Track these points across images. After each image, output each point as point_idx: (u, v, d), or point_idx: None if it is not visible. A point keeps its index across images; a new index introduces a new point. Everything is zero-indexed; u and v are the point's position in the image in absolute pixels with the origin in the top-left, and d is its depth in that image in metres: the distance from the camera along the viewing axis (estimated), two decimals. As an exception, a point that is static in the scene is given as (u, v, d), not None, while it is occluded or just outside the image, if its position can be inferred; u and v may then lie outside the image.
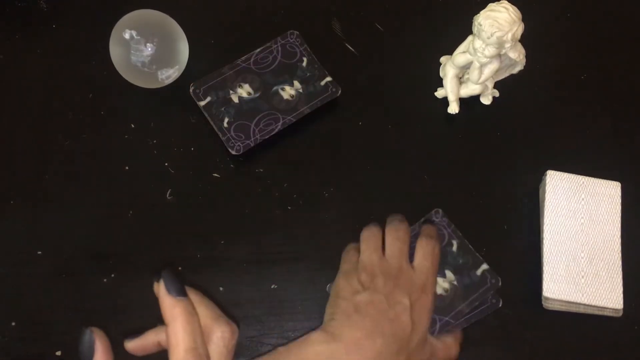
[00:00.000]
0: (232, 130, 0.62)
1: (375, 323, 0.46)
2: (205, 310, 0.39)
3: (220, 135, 0.63)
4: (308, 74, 0.65)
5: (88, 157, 0.64)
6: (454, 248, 0.57)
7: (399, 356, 0.46)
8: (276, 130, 0.63)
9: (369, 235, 0.52)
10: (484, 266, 0.57)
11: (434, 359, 0.49)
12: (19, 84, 0.67)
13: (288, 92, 0.64)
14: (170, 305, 0.37)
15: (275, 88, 0.65)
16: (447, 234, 0.58)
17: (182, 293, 0.37)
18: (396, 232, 0.52)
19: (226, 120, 0.63)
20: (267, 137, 0.62)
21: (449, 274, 0.56)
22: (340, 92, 0.65)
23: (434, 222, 0.58)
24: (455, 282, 0.56)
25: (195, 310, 0.37)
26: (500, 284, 0.56)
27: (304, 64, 0.66)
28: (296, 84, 0.64)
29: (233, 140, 0.62)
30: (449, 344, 0.51)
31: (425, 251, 0.51)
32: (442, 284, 0.55)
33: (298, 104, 0.64)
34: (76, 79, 0.67)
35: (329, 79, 0.65)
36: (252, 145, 0.62)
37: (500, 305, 0.57)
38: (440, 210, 0.59)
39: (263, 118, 0.63)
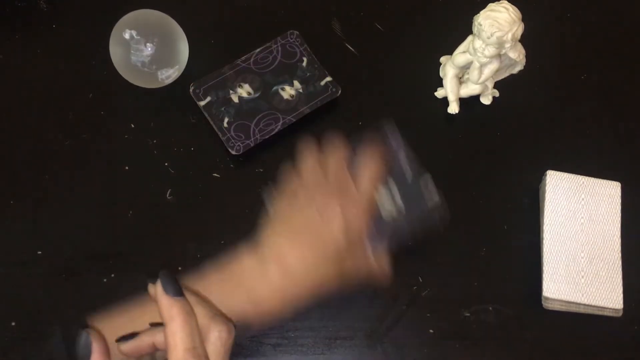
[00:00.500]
0: (232, 130, 0.62)
1: (304, 232, 0.46)
2: (202, 310, 0.39)
3: (220, 135, 0.63)
4: (308, 74, 0.65)
5: (88, 157, 0.64)
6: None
7: (331, 266, 0.46)
8: (276, 130, 0.63)
9: (306, 153, 0.52)
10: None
11: (368, 273, 0.49)
12: (19, 84, 0.67)
13: (288, 92, 0.64)
14: (167, 305, 0.37)
15: (275, 88, 0.65)
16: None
17: (180, 293, 0.37)
18: (336, 151, 0.52)
19: (226, 120, 0.63)
20: (267, 137, 0.62)
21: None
22: (340, 92, 0.65)
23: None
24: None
25: (192, 310, 0.37)
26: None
27: (304, 64, 0.66)
28: (296, 83, 0.65)
29: (233, 140, 0.62)
30: (381, 259, 0.51)
31: (370, 166, 0.50)
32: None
33: (298, 104, 0.64)
34: (76, 79, 0.67)
35: (329, 79, 0.65)
36: (252, 145, 0.62)
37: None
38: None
39: (263, 118, 0.63)
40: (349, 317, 0.58)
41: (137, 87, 0.64)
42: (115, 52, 0.61)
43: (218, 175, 0.63)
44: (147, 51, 0.60)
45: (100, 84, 0.66)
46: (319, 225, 0.47)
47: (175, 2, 0.68)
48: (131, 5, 0.63)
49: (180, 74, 0.64)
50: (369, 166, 0.50)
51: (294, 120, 0.64)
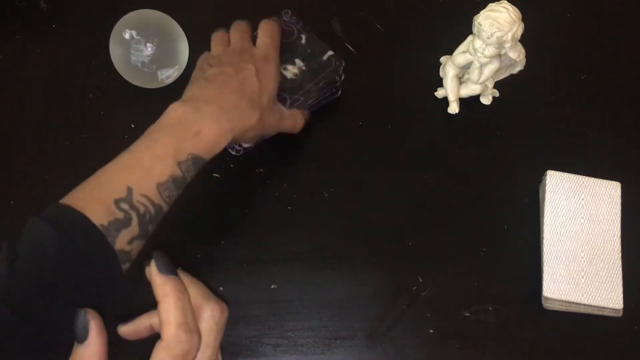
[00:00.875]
0: None
1: (225, 85, 0.53)
2: (195, 290, 0.40)
3: None
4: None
5: (88, 157, 0.63)
6: (303, 41, 0.63)
7: (252, 109, 0.54)
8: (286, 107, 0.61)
9: (216, 34, 0.60)
10: (329, 52, 0.63)
11: (283, 122, 0.59)
12: (19, 84, 0.67)
13: (291, 71, 0.62)
14: (161, 283, 0.37)
15: None
16: (296, 29, 0.64)
17: (173, 272, 0.38)
18: (238, 25, 0.60)
19: None
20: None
21: (298, 62, 0.62)
22: (343, 64, 0.63)
23: (284, 20, 0.64)
24: (303, 68, 0.62)
25: (185, 289, 0.38)
26: (343, 64, 0.63)
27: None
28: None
29: (232, 141, 0.62)
30: (295, 112, 0.60)
31: (265, 29, 0.60)
32: (292, 70, 0.62)
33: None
34: (76, 79, 0.67)
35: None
36: (252, 146, 0.62)
37: (339, 94, 0.66)
38: (289, 11, 0.65)
39: None
40: (349, 317, 0.58)
41: (137, 87, 0.64)
42: (115, 52, 0.61)
43: (218, 175, 0.63)
44: (147, 51, 0.60)
45: (100, 84, 0.66)
46: (239, 80, 0.54)
47: (175, 2, 0.68)
48: (131, 5, 0.63)
49: (180, 74, 0.64)
50: (265, 31, 0.60)
51: (302, 98, 0.61)
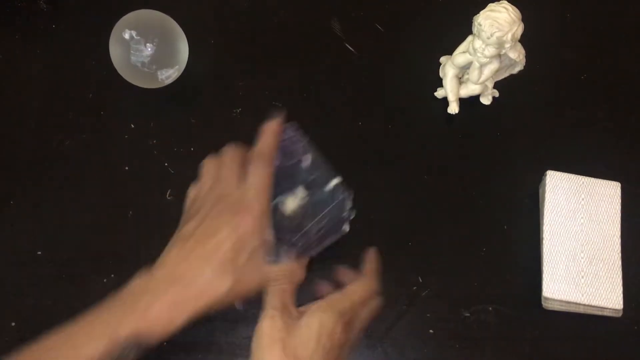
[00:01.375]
0: None
1: (193, 250, 0.47)
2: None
3: None
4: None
5: (88, 157, 0.64)
6: (308, 162, 0.52)
7: (221, 278, 0.46)
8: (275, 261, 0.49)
9: (205, 164, 0.53)
10: (336, 180, 0.52)
11: (273, 281, 0.49)
12: (19, 84, 0.67)
13: (290, 205, 0.51)
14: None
15: (275, 201, 0.51)
16: (301, 148, 0.52)
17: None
18: (226, 153, 0.52)
19: None
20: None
21: (300, 190, 0.51)
22: (353, 195, 0.53)
23: (289, 136, 0.53)
24: (306, 199, 0.51)
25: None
26: (352, 196, 0.52)
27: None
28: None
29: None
30: (291, 267, 0.50)
31: (254, 167, 0.50)
32: (292, 204, 0.51)
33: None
34: (76, 79, 0.67)
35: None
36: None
37: (347, 230, 0.54)
38: (295, 123, 0.53)
39: None
40: (349, 317, 0.58)
41: (137, 87, 0.64)
42: (115, 52, 0.61)
43: (218, 175, 0.63)
44: (147, 51, 0.60)
45: (100, 84, 0.66)
46: (213, 242, 0.47)
47: (175, 2, 0.68)
48: (131, 5, 0.63)
49: (180, 74, 0.64)
50: (257, 161, 0.50)
51: (300, 242, 0.50)
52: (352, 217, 0.54)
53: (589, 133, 0.66)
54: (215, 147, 0.64)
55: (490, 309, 0.58)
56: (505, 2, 0.58)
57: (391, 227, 0.61)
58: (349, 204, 0.53)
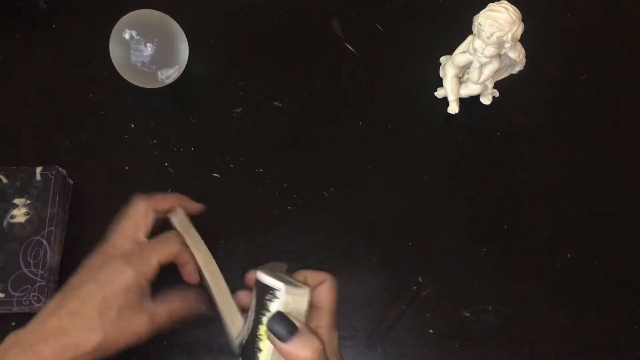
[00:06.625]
0: None
1: (67, 302, 0.45)
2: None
3: None
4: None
5: (88, 157, 0.64)
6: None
7: (91, 330, 0.44)
8: None
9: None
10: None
11: (161, 320, 0.48)
12: (19, 84, 0.67)
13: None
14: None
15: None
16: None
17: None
18: (131, 209, 0.51)
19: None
20: None
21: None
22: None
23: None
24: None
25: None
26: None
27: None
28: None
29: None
30: (179, 299, 0.50)
31: (167, 239, 0.51)
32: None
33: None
34: (76, 79, 0.67)
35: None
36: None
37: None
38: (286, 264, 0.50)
39: None
40: (349, 317, 0.58)
41: (137, 87, 0.64)
42: (115, 52, 0.61)
43: (218, 176, 0.63)
44: (147, 51, 0.60)
45: (100, 84, 0.66)
46: (78, 291, 0.46)
47: (175, 2, 0.68)
48: (131, 5, 0.63)
49: (180, 74, 0.64)
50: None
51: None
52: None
53: (588, 133, 0.66)
54: (215, 147, 0.64)
55: (490, 309, 0.58)
56: (505, 2, 0.58)
57: (391, 227, 0.61)
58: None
